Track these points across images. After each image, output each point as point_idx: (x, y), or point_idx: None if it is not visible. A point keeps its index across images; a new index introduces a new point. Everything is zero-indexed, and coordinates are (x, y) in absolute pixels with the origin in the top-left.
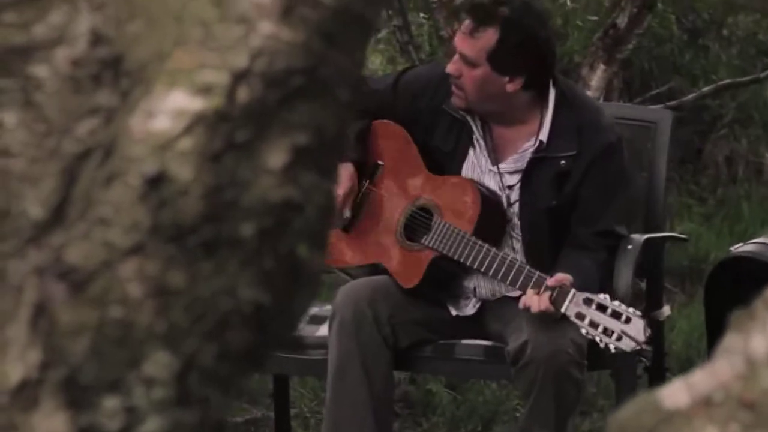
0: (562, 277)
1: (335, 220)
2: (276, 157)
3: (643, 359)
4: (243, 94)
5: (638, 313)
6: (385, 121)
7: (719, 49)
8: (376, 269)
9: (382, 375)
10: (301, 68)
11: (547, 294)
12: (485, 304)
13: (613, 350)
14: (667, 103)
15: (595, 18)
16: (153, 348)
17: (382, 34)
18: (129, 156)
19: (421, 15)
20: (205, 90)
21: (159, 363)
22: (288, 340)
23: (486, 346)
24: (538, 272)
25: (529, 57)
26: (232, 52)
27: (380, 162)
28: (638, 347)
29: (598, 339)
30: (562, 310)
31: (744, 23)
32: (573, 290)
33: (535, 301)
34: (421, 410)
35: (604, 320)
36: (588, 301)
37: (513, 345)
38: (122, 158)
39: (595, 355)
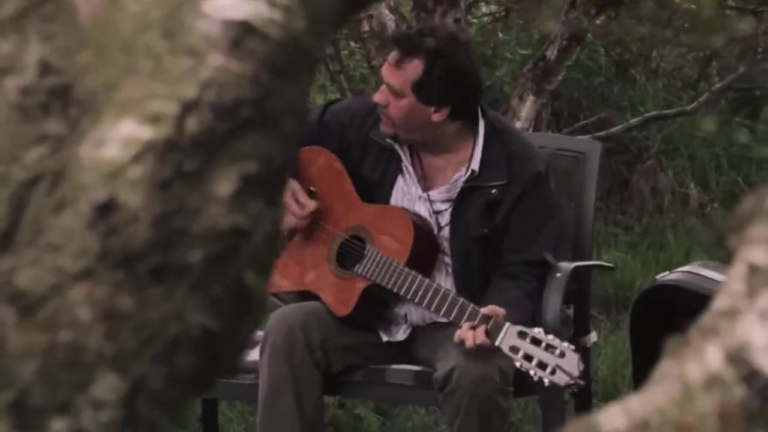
0: (495, 308)
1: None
2: (224, 185)
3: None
4: (192, 124)
5: (572, 347)
6: (315, 147)
7: (646, 82)
8: (306, 295)
9: (314, 400)
10: (249, 99)
11: (483, 328)
12: (416, 330)
13: (547, 383)
14: (595, 134)
15: (526, 52)
16: (102, 371)
17: None
18: (79, 183)
19: (352, 44)
20: (154, 119)
21: (107, 386)
22: (235, 365)
23: (415, 372)
24: (472, 305)
25: (455, 88)
26: (182, 83)
27: (312, 188)
28: (572, 381)
29: (532, 372)
30: (496, 343)
31: (670, 57)
32: (507, 324)
33: (470, 335)
34: None
35: (539, 354)
36: (522, 335)
37: (441, 371)
38: (72, 186)
39: (522, 381)
